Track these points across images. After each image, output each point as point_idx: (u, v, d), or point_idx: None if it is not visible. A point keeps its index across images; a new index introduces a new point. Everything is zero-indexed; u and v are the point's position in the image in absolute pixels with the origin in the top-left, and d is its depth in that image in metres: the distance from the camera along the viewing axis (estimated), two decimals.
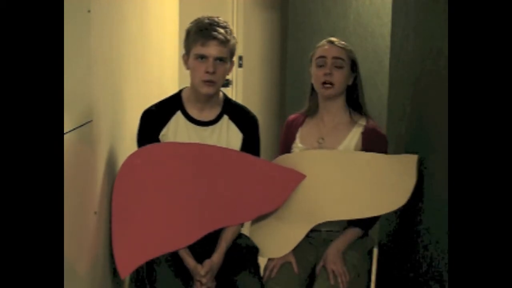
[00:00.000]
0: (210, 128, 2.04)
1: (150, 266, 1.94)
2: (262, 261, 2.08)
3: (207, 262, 1.93)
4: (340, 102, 2.10)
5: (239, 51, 4.36)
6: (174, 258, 1.95)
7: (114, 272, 1.91)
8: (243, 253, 2.04)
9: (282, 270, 2.01)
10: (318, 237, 2.10)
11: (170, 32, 3.63)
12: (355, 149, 2.06)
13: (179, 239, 1.95)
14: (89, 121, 1.64)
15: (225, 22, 1.99)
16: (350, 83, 2.09)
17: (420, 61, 2.08)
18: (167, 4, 3.54)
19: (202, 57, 1.94)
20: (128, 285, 2.17)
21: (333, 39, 2.11)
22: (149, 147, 1.97)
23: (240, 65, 4.48)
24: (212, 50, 1.93)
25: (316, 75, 2.07)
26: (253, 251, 2.07)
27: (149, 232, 1.93)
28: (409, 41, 2.26)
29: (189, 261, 1.94)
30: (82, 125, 1.56)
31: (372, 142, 2.05)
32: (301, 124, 2.15)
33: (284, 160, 2.07)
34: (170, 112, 2.03)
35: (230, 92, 4.39)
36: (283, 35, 4.69)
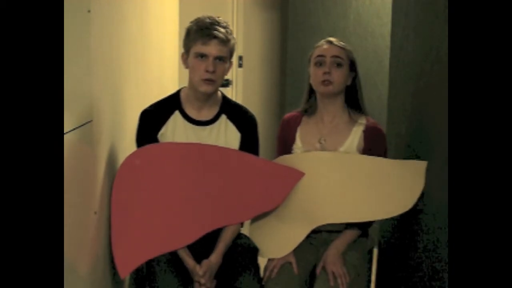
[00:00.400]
0: (208, 127, 2.04)
1: (150, 266, 1.94)
2: (262, 261, 2.08)
3: (205, 263, 1.93)
4: (339, 101, 2.10)
5: (239, 51, 4.36)
6: (174, 258, 1.95)
7: (114, 272, 1.91)
8: (243, 253, 2.04)
9: (282, 270, 2.01)
10: (319, 237, 2.10)
11: (170, 32, 3.63)
12: (357, 148, 2.06)
13: (178, 239, 1.95)
14: (89, 121, 1.64)
15: (226, 22, 2.00)
16: (349, 83, 2.09)
17: (420, 61, 2.08)
18: (167, 4, 3.54)
19: (202, 55, 1.95)
20: (128, 285, 2.17)
21: (332, 39, 2.11)
22: (148, 147, 1.97)
23: (240, 65, 4.48)
24: (213, 49, 1.94)
25: (315, 74, 2.06)
26: (253, 251, 2.07)
27: (149, 232, 1.93)
28: (409, 41, 2.26)
29: (188, 261, 1.94)
30: (82, 125, 1.56)
31: (373, 140, 2.05)
32: (299, 123, 2.14)
33: (286, 160, 2.07)
34: (168, 111, 2.04)
35: (230, 92, 4.39)
36: (283, 35, 4.69)
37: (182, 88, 2.11)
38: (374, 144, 2.05)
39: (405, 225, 2.19)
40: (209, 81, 1.95)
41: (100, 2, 1.78)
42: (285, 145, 2.15)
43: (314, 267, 2.06)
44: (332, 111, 2.10)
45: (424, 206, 1.97)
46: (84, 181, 1.65)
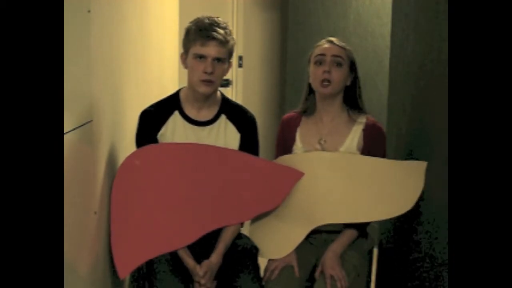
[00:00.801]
0: (208, 128, 2.04)
1: (150, 266, 1.94)
2: (262, 262, 2.08)
3: (205, 263, 1.93)
4: (338, 101, 2.09)
5: (239, 51, 4.37)
6: (173, 258, 1.95)
7: (114, 272, 1.91)
8: (243, 253, 2.04)
9: (282, 271, 2.00)
10: (319, 237, 2.10)
11: (170, 32, 3.63)
12: (357, 147, 2.06)
13: (178, 239, 1.95)
14: (89, 121, 1.64)
15: (225, 22, 1.99)
16: (348, 83, 2.09)
17: (420, 61, 2.08)
18: (167, 4, 3.54)
19: (201, 56, 1.94)
20: (128, 285, 2.17)
21: (332, 38, 2.11)
22: (147, 147, 1.97)
23: (240, 65, 4.48)
24: (212, 50, 1.94)
25: (314, 73, 2.06)
26: (253, 251, 2.07)
27: (148, 232, 1.93)
28: (409, 41, 2.26)
29: (188, 261, 1.94)
30: (82, 125, 1.56)
31: (373, 138, 2.05)
32: (298, 124, 2.14)
33: (286, 160, 2.07)
34: (168, 112, 2.04)
35: (230, 92, 4.39)
36: (283, 35, 4.69)
37: (182, 88, 2.11)
38: (373, 142, 2.05)
39: (405, 225, 2.19)
40: (207, 82, 1.95)
41: (100, 2, 1.78)
42: (284, 146, 2.15)
43: (314, 267, 2.06)
44: (331, 111, 2.10)
45: (424, 206, 1.97)
46: (84, 181, 1.65)
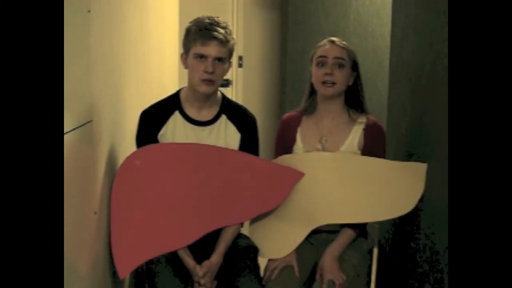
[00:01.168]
0: (208, 128, 2.04)
1: (150, 266, 1.94)
2: (262, 262, 2.08)
3: (206, 263, 1.93)
4: (340, 101, 2.10)
5: (239, 51, 4.37)
6: (173, 258, 1.95)
7: (114, 272, 1.91)
8: (243, 253, 2.04)
9: (282, 271, 2.00)
10: (319, 237, 2.09)
11: (170, 32, 3.63)
12: (358, 147, 2.06)
13: (178, 239, 1.95)
14: (89, 121, 1.64)
15: (225, 22, 2.00)
16: (350, 83, 2.09)
17: (420, 61, 2.08)
18: (167, 4, 3.54)
19: (201, 56, 1.95)
20: (128, 285, 2.17)
21: (334, 39, 2.11)
22: (148, 147, 1.97)
23: (240, 65, 4.48)
24: (212, 50, 1.94)
25: (316, 74, 2.06)
26: (253, 251, 2.07)
27: (148, 232, 1.93)
28: (409, 41, 2.26)
29: (188, 261, 1.94)
30: (82, 125, 1.56)
31: (373, 137, 2.05)
32: (299, 123, 2.14)
33: (287, 160, 2.07)
34: (168, 112, 2.04)
35: (230, 92, 4.39)
36: (283, 35, 4.69)
37: (182, 88, 2.11)
38: (374, 141, 2.05)
39: (405, 225, 2.19)
40: (208, 81, 1.95)
41: (100, 2, 1.78)
42: (284, 146, 2.15)
43: (314, 267, 2.06)
44: (332, 111, 2.10)
45: (424, 206, 1.97)
46: (84, 181, 1.65)
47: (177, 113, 2.04)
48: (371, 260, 2.17)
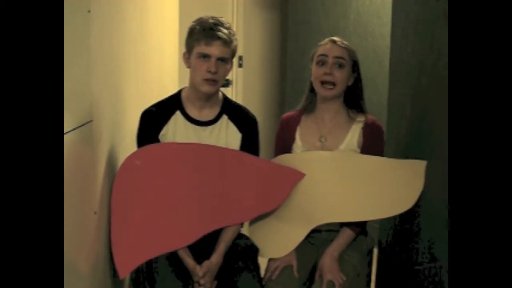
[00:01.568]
0: (209, 128, 2.04)
1: (150, 266, 1.94)
2: (262, 261, 2.08)
3: (206, 263, 1.93)
4: (339, 101, 2.09)
5: (239, 51, 4.36)
6: (173, 258, 1.95)
7: (114, 272, 1.91)
8: (243, 253, 2.04)
9: (283, 271, 2.00)
10: (319, 236, 2.09)
11: (170, 32, 3.63)
12: (357, 145, 2.06)
13: (178, 239, 1.95)
14: (89, 121, 1.64)
15: (228, 22, 2.00)
16: (350, 83, 2.09)
17: (420, 61, 2.08)
18: (167, 4, 3.54)
19: (204, 56, 1.94)
20: (128, 285, 2.17)
21: (335, 38, 2.10)
22: (148, 147, 1.97)
23: (240, 65, 4.48)
24: (216, 50, 1.94)
25: (316, 73, 2.06)
26: (253, 251, 2.07)
27: (149, 232, 1.93)
28: (409, 41, 2.26)
29: (188, 261, 1.94)
30: (82, 125, 1.56)
31: (372, 135, 2.06)
32: (298, 123, 2.14)
33: (286, 160, 2.07)
34: (169, 112, 2.03)
35: (230, 92, 4.39)
36: (283, 35, 4.69)
37: (183, 88, 2.11)
38: (372, 139, 2.05)
39: (405, 225, 2.19)
40: (211, 81, 1.95)
41: (100, 2, 1.78)
42: (284, 145, 2.15)
43: (314, 266, 2.06)
44: (332, 110, 2.10)
45: (424, 206, 1.97)
46: (84, 181, 1.65)
47: (178, 113, 2.04)
48: (371, 260, 2.17)
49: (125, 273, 1.90)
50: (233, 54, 2.01)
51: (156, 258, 1.93)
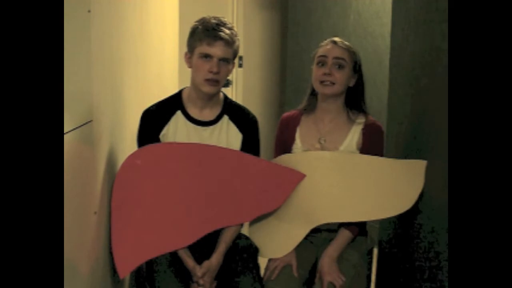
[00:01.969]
0: (210, 128, 2.04)
1: (150, 266, 1.94)
2: (262, 261, 2.08)
3: (205, 263, 1.93)
4: (339, 102, 2.10)
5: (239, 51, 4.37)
6: (174, 258, 1.95)
7: (114, 272, 1.91)
8: (243, 253, 2.04)
9: (282, 270, 2.01)
10: (319, 236, 2.10)
11: (170, 32, 3.63)
12: (357, 146, 2.06)
13: (178, 239, 1.95)
14: (89, 121, 1.64)
15: (230, 23, 2.00)
16: (351, 84, 2.08)
17: (420, 61, 2.08)
18: (167, 4, 3.54)
19: (207, 56, 1.94)
20: (128, 285, 2.17)
21: (336, 39, 2.10)
22: (149, 147, 1.97)
23: (240, 65, 4.49)
24: (218, 50, 1.93)
25: (315, 73, 2.06)
26: (253, 251, 2.07)
27: (149, 232, 1.93)
28: (409, 41, 2.25)
29: (188, 261, 1.94)
30: (82, 125, 1.56)
31: (371, 136, 2.06)
32: (298, 123, 2.14)
33: (286, 160, 2.07)
34: (170, 112, 2.04)
35: (230, 92, 4.40)
36: (283, 35, 4.69)
37: (184, 88, 2.11)
38: (372, 140, 2.06)
39: (405, 225, 2.19)
40: (212, 81, 1.95)
41: (100, 2, 1.78)
42: (284, 145, 2.15)
43: (314, 266, 2.06)
44: (332, 110, 2.10)
45: (424, 206, 1.97)
46: (84, 181, 1.65)
47: (179, 113, 2.04)
48: (371, 260, 2.17)
49: (125, 273, 1.89)
50: (235, 54, 2.01)
51: (156, 258, 1.93)
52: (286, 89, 4.42)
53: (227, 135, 2.05)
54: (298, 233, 2.04)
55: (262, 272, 2.05)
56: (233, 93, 4.43)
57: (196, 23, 1.99)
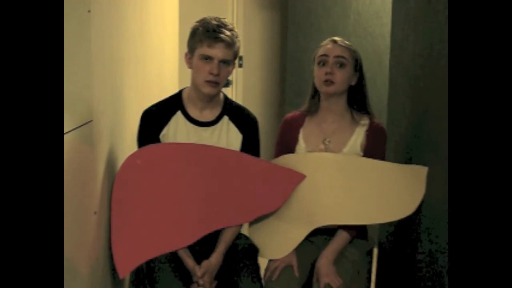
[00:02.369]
0: (210, 128, 2.04)
1: (150, 266, 1.94)
2: (262, 262, 2.08)
3: (205, 263, 1.93)
4: (342, 102, 2.09)
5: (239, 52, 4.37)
6: (173, 258, 1.95)
7: (114, 272, 1.91)
8: (243, 253, 2.04)
9: (283, 271, 2.00)
10: (319, 236, 2.09)
11: (170, 32, 3.63)
12: (360, 149, 2.06)
13: (178, 240, 1.95)
14: (89, 121, 1.64)
15: (231, 24, 1.99)
16: (353, 83, 2.08)
17: (420, 61, 2.08)
18: (167, 4, 3.54)
19: (207, 58, 1.94)
20: (128, 285, 2.17)
21: (337, 38, 2.10)
22: (149, 147, 1.97)
23: (240, 65, 4.48)
24: (218, 52, 1.93)
25: (317, 73, 2.06)
26: (253, 251, 2.07)
27: (149, 232, 1.93)
28: (409, 41, 2.26)
29: (188, 261, 1.94)
30: (82, 125, 1.56)
31: (374, 137, 2.06)
32: (301, 124, 2.13)
33: (289, 160, 2.07)
34: (170, 112, 2.03)
35: (230, 92, 4.40)
36: (283, 35, 4.69)
37: (184, 88, 2.11)
38: (374, 142, 2.05)
39: (405, 226, 2.19)
40: (213, 83, 1.95)
41: (100, 2, 1.78)
42: (286, 145, 2.14)
43: (314, 264, 2.06)
44: (335, 111, 2.09)
45: (424, 206, 1.97)
46: (84, 181, 1.65)
47: (179, 113, 2.04)
48: (371, 260, 2.17)
49: (125, 273, 1.89)
50: (235, 55, 2.00)
51: (156, 258, 1.93)
52: (286, 89, 4.41)
53: (227, 135, 2.05)
54: (298, 234, 2.04)
55: (262, 272, 2.05)
56: (233, 93, 4.43)
57: (197, 23, 1.99)
